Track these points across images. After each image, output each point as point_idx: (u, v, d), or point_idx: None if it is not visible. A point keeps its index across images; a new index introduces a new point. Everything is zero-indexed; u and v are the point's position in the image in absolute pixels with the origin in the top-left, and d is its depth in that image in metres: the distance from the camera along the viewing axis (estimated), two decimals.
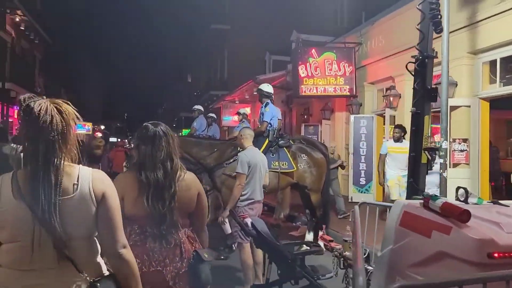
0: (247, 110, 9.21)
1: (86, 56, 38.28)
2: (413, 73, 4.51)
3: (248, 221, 3.65)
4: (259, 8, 22.78)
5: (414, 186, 3.51)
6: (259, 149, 6.12)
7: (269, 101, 6.60)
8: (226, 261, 5.83)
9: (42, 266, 1.59)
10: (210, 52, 29.20)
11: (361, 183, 10.73)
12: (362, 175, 10.65)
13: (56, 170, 1.62)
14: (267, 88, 6.67)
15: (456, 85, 7.74)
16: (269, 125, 6.38)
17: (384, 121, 11.07)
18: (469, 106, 7.65)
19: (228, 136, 14.37)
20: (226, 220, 4.47)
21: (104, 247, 1.74)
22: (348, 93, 10.98)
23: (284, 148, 6.42)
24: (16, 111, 17.17)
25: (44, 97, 1.71)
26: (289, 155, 6.34)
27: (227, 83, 25.25)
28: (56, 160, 1.62)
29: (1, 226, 1.61)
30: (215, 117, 10.37)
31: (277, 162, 6.23)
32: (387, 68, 10.02)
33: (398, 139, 7.43)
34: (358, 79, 10.98)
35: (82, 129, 28.51)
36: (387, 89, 10.48)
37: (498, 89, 7.33)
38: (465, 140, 7.71)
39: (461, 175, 7.61)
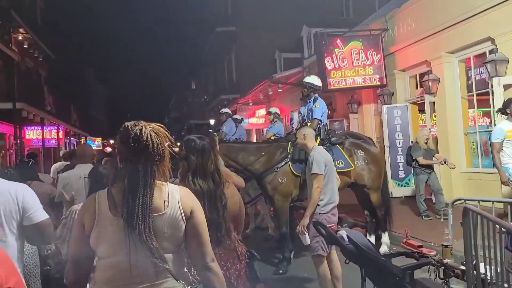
0: (277, 109, 8.60)
1: (90, 70, 37.92)
2: None
3: (343, 234, 3.08)
4: (263, 6, 22.23)
5: None
6: None
7: (317, 95, 6.03)
8: (291, 275, 5.29)
9: (142, 280, 1.65)
10: (216, 56, 28.67)
11: (400, 176, 10.14)
12: (401, 168, 10.05)
13: (151, 190, 1.68)
14: (314, 80, 6.10)
15: (508, 61, 7.13)
16: (320, 122, 5.81)
17: (418, 109, 10.53)
18: None
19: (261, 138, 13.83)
20: (305, 229, 3.88)
21: (194, 260, 1.81)
22: (379, 83, 10.40)
23: (337, 145, 5.85)
24: (29, 131, 16.77)
25: (142, 122, 1.74)
26: (343, 153, 5.77)
27: (238, 86, 24.71)
28: (152, 180, 1.69)
29: (100, 242, 1.68)
30: (241, 118, 9.81)
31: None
32: (421, 52, 9.43)
33: None
34: (387, 67, 10.39)
35: (92, 145, 28.11)
36: (421, 75, 9.92)
37: None
38: None
39: None
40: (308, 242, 3.94)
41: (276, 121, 8.36)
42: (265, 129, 8.97)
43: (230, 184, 2.72)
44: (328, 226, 3.40)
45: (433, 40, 8.96)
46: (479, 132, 8.36)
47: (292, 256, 5.68)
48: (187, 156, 2.45)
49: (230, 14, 25.22)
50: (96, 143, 30.29)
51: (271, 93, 17.19)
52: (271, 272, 5.53)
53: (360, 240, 3.05)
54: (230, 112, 9.40)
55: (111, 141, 37.48)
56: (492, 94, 7.77)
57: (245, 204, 7.26)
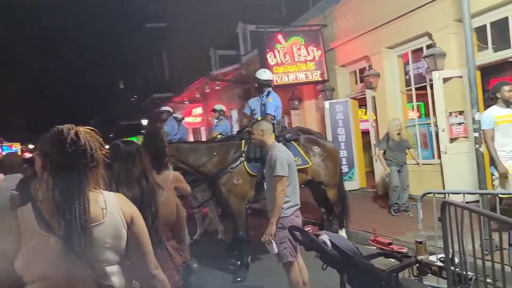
0: (222, 106, 8.19)
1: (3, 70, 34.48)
2: None
3: (326, 238, 2.78)
4: (195, 2, 21.62)
5: None
6: None
7: (270, 89, 5.73)
8: (251, 283, 4.94)
9: None
10: (146, 53, 27.42)
11: (343, 170, 10.22)
12: (344, 162, 10.12)
13: (88, 198, 1.56)
14: (264, 75, 5.79)
15: (445, 55, 7.38)
16: (273, 118, 5.51)
17: (359, 104, 10.71)
18: (461, 77, 7.34)
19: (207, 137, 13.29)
20: (273, 238, 3.56)
21: (137, 269, 1.71)
22: (320, 78, 10.41)
23: (292, 142, 5.60)
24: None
25: (72, 125, 1.64)
26: (299, 149, 5.52)
27: (171, 84, 23.85)
28: (86, 188, 1.58)
29: (30, 265, 1.48)
30: (182, 117, 9.26)
31: None
32: (360, 47, 9.55)
33: (510, 102, 4.87)
34: (328, 62, 10.43)
35: (9, 150, 25.52)
36: (361, 70, 10.07)
37: (491, 56, 7.06)
38: (461, 113, 7.40)
39: (460, 150, 7.31)
40: (276, 251, 3.62)
41: (221, 118, 7.95)
42: (201, 127, 8.47)
43: (167, 190, 2.56)
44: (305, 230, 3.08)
45: (373, 35, 9.10)
46: (419, 124, 8.63)
47: (249, 261, 5.34)
48: (110, 164, 2.19)
49: (160, 9, 24.22)
50: (14, 149, 27.52)
51: (208, 90, 16.71)
52: (229, 280, 5.15)
53: (344, 244, 2.77)
54: (172, 110, 8.82)
55: (31, 146, 34.46)
56: (431, 88, 8.05)
57: (193, 208, 6.80)
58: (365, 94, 9.68)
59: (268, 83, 5.74)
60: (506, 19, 6.64)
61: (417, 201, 3.96)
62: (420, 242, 3.49)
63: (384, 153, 7.20)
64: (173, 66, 24.10)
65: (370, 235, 5.89)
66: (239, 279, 5.04)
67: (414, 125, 8.72)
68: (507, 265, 2.79)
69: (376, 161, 8.93)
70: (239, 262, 5.28)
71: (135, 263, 1.68)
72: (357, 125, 10.47)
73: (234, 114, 16.92)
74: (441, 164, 7.58)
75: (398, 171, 7.14)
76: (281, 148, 3.84)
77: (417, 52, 8.53)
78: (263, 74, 5.75)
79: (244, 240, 5.24)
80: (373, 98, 9.23)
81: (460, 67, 7.35)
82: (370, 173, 10.17)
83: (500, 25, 6.83)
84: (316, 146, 5.61)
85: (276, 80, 10.11)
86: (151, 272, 1.72)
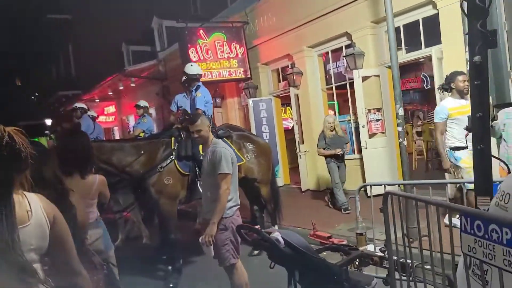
0: (146, 103, 7.65)
1: None
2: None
3: (278, 236, 2.64)
4: None
5: (484, 156, 2.86)
6: (198, 144, 5.02)
7: (200, 84, 5.47)
8: None
9: None
10: (49, 47, 25.09)
11: None
12: None
13: (13, 201, 1.54)
14: (193, 69, 5.51)
15: (364, 55, 7.75)
16: (203, 113, 5.26)
17: (282, 103, 10.86)
18: (378, 76, 7.76)
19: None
20: (213, 239, 3.32)
21: (60, 268, 1.71)
22: (243, 76, 10.34)
23: (225, 138, 5.39)
24: None
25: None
26: (233, 146, 5.33)
27: (78, 80, 22.12)
28: (12, 190, 1.56)
29: None
30: (96, 115, 8.55)
31: None
32: (282, 46, 9.67)
33: (465, 93, 4.68)
34: (250, 60, 10.40)
35: None
36: (283, 68, 10.21)
37: (404, 56, 7.56)
38: (378, 110, 7.82)
39: (379, 144, 7.74)
40: (212, 253, 3.40)
41: (145, 115, 7.45)
42: (114, 127, 7.89)
43: (73, 193, 2.53)
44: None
45: (294, 34, 9.25)
46: (339, 122, 8.96)
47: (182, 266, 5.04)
48: None
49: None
50: None
51: (122, 88, 15.78)
52: (160, 287, 4.80)
53: (296, 240, 2.65)
54: (86, 107, 8.05)
55: None
56: (350, 87, 8.42)
57: (116, 213, 6.27)
58: (287, 92, 9.84)
59: (196, 77, 5.48)
60: (417, 22, 7.15)
61: (355, 194, 4.00)
62: (361, 234, 3.53)
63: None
64: (80, 62, 22.37)
65: (302, 231, 5.95)
66: (171, 285, 4.72)
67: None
68: (446, 253, 2.91)
69: (300, 158, 9.11)
70: (170, 267, 4.95)
71: (58, 262, 1.69)
72: (281, 122, 10.60)
73: (152, 112, 16.19)
74: (361, 158, 7.94)
75: (338, 167, 7.12)
76: (224, 145, 3.62)
77: (337, 51, 8.86)
78: (191, 68, 5.48)
79: (176, 244, 4.93)
80: (296, 96, 9.39)
81: (377, 66, 7.78)
82: (293, 169, 10.36)
83: (411, 27, 7.33)
84: (249, 143, 5.48)
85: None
86: (76, 269, 1.73)
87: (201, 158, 4.97)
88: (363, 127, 7.66)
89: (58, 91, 22.02)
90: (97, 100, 17.99)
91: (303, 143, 9.30)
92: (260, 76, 10.55)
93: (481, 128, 2.86)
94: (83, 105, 8.00)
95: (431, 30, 6.91)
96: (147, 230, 6.70)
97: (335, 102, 9.64)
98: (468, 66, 2.70)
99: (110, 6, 20.03)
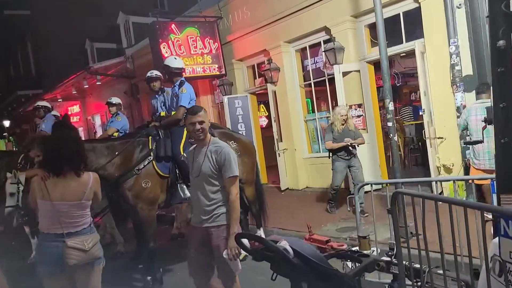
0: (118, 99, 7.11)
1: None
2: None
3: (286, 244, 2.32)
4: None
5: (508, 151, 2.61)
6: (180, 142, 4.65)
7: (183, 79, 5.07)
8: None
9: None
10: (5, 45, 23.70)
11: None
12: None
13: None
14: (176, 62, 5.10)
15: (344, 50, 7.56)
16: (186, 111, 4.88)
17: (258, 100, 10.54)
18: (359, 71, 7.60)
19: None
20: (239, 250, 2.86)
21: None
22: (218, 72, 9.96)
23: None
24: None
25: None
26: None
27: (38, 79, 20.99)
28: None
29: None
30: (59, 114, 7.95)
31: None
32: (258, 41, 9.36)
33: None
34: (225, 56, 10.03)
35: None
36: (258, 64, 9.92)
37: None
38: (360, 105, 7.66)
39: None
40: (240, 267, 2.98)
41: (118, 113, 6.94)
42: (79, 128, 7.35)
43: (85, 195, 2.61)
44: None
45: (271, 29, 8.97)
46: (319, 118, 8.77)
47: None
48: None
49: None
50: None
51: (87, 86, 15.00)
52: None
53: (307, 249, 2.34)
54: (50, 106, 7.43)
55: None
56: (329, 82, 8.23)
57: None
58: (264, 89, 9.55)
59: (179, 71, 5.09)
60: (398, 16, 7.02)
61: (354, 193, 3.74)
62: (364, 237, 3.28)
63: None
64: (40, 60, 21.22)
65: (288, 232, 5.67)
66: None
67: (315, 119, 8.84)
68: (459, 255, 2.70)
69: (279, 156, 8.84)
70: (149, 278, 4.55)
71: None
72: (257, 120, 10.30)
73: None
74: None
75: (349, 167, 6.23)
76: (226, 144, 3.18)
77: (315, 47, 8.65)
78: (174, 62, 5.08)
79: (155, 252, 4.52)
80: (274, 92, 9.11)
81: (357, 61, 7.61)
82: (270, 168, 10.09)
83: (392, 22, 7.20)
84: (232, 141, 5.12)
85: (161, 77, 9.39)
86: None
87: (182, 158, 4.62)
88: None
89: (17, 90, 20.80)
90: (60, 100, 17.06)
91: (281, 140, 9.04)
92: (235, 72, 10.20)
93: (504, 119, 2.63)
94: (46, 103, 7.38)
95: (412, 24, 6.81)
96: (121, 237, 6.23)
97: (306, 99, 9.40)
98: (490, 51, 2.44)
99: (72, 1, 19.10)
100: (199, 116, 3.00)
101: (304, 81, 9.00)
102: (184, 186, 4.57)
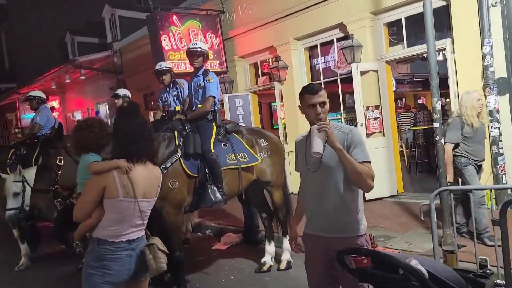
0: (127, 91, 6.48)
1: None
2: None
3: (416, 264, 1.84)
4: None
5: None
6: (210, 138, 4.13)
7: (206, 68, 4.55)
8: None
9: None
10: None
11: None
12: None
13: None
14: (201, 44, 4.58)
15: (362, 48, 7.20)
16: (214, 104, 4.36)
17: (254, 99, 10.07)
18: (377, 71, 7.25)
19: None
20: None
21: None
22: (219, 69, 9.37)
23: (234, 134, 4.51)
24: None
25: None
26: (244, 143, 4.47)
27: (12, 73, 19.78)
28: None
29: None
30: (51, 106, 7.23)
31: (233, 155, 4.29)
32: (264, 38, 8.90)
33: None
34: (226, 53, 9.50)
35: None
36: (262, 62, 9.47)
37: (405, 51, 7.10)
38: (377, 107, 7.31)
39: (377, 144, 7.21)
40: None
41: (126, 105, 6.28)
42: None
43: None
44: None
45: (279, 25, 8.53)
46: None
47: None
48: None
49: None
50: None
51: (69, 81, 14.13)
52: None
53: (442, 271, 1.87)
54: (45, 97, 6.69)
55: None
56: (341, 82, 7.87)
57: None
58: (267, 89, 9.10)
59: (205, 54, 4.55)
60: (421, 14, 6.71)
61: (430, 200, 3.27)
62: (452, 252, 2.83)
63: (454, 148, 4.55)
64: (15, 52, 20.04)
65: None
66: None
67: None
68: None
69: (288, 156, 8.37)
70: None
71: None
72: (258, 120, 9.81)
73: (102, 108, 14.71)
74: None
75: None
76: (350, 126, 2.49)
77: (326, 45, 8.27)
78: (200, 43, 4.55)
79: (182, 262, 3.95)
80: (280, 91, 8.66)
81: (374, 61, 7.27)
82: None
83: (414, 20, 6.90)
84: (262, 139, 4.62)
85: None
86: None
87: (213, 157, 4.09)
88: (361, 125, 7.09)
89: None
90: None
91: (287, 142, 8.58)
92: (237, 70, 9.69)
93: None
94: (41, 94, 6.63)
95: (439, 22, 6.51)
96: None
97: None
98: None
99: None
100: (320, 96, 2.30)
101: (312, 80, 8.59)
102: (215, 188, 4.03)
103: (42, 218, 3.40)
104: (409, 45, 7.05)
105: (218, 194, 4.02)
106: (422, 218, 3.84)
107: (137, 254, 2.31)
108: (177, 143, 4.01)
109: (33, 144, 5.91)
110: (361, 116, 7.08)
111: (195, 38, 9.08)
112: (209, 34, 9.29)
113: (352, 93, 7.54)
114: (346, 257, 2.05)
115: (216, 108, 4.36)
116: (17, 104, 16.68)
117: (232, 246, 5.97)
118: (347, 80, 7.59)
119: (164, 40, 8.63)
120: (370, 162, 2.29)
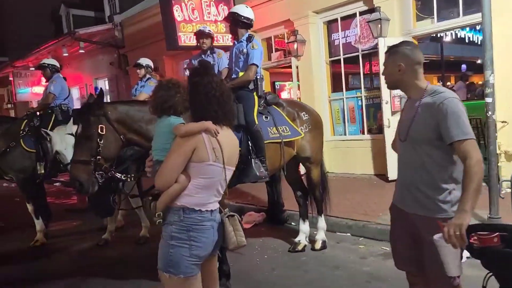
0: (149, 61, 6.13)
1: None
2: None
3: None
4: None
5: None
6: (252, 109, 3.84)
7: (251, 34, 4.22)
8: None
9: None
10: None
11: None
12: None
13: None
14: (246, 11, 4.23)
15: (389, 22, 6.89)
16: (257, 73, 4.04)
17: (266, 76, 9.73)
18: None
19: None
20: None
21: None
22: (231, 43, 8.95)
23: (274, 106, 4.21)
24: None
25: None
26: (285, 116, 4.17)
27: (3, 46, 19.01)
28: None
29: None
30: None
31: (274, 129, 4.00)
32: (281, 11, 8.51)
33: None
34: None
35: None
36: (275, 36, 9.11)
37: (434, 25, 6.81)
38: None
39: None
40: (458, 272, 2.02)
41: (149, 78, 5.94)
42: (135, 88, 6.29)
43: None
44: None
45: None
46: (346, 98, 8.09)
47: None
48: None
49: None
50: None
51: (67, 55, 13.55)
52: None
53: None
54: (58, 65, 6.27)
55: None
56: (363, 58, 7.58)
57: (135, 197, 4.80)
58: (281, 64, 8.76)
59: (249, 24, 4.22)
60: None
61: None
62: None
63: None
64: (7, 25, 19.21)
65: (359, 223, 4.95)
66: None
67: (342, 99, 8.16)
68: None
69: None
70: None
71: None
72: None
73: (101, 84, 14.19)
74: (381, 138, 7.15)
75: None
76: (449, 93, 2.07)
77: (346, 19, 7.94)
78: (245, 10, 4.22)
79: None
80: (296, 68, 8.34)
81: (401, 36, 6.96)
82: None
83: None
84: (304, 112, 4.33)
85: (184, 40, 8.38)
86: None
87: (257, 128, 3.80)
88: (386, 103, 6.84)
89: None
90: (32, 68, 15.35)
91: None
92: None
93: None
94: (54, 61, 6.20)
95: None
96: (148, 221, 5.25)
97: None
98: None
99: None
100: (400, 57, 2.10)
101: (331, 56, 8.29)
102: (259, 162, 3.74)
103: (83, 192, 3.07)
104: (438, 20, 6.76)
105: (262, 169, 3.74)
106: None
107: (217, 226, 2.06)
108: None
109: (46, 115, 5.54)
110: (387, 93, 6.82)
111: (207, 9, 8.68)
112: (221, 6, 8.89)
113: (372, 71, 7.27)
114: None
115: (259, 77, 4.04)
116: (11, 78, 15.98)
117: (255, 225, 5.75)
118: (368, 56, 7.30)
119: (176, 10, 8.21)
120: (471, 138, 1.92)
